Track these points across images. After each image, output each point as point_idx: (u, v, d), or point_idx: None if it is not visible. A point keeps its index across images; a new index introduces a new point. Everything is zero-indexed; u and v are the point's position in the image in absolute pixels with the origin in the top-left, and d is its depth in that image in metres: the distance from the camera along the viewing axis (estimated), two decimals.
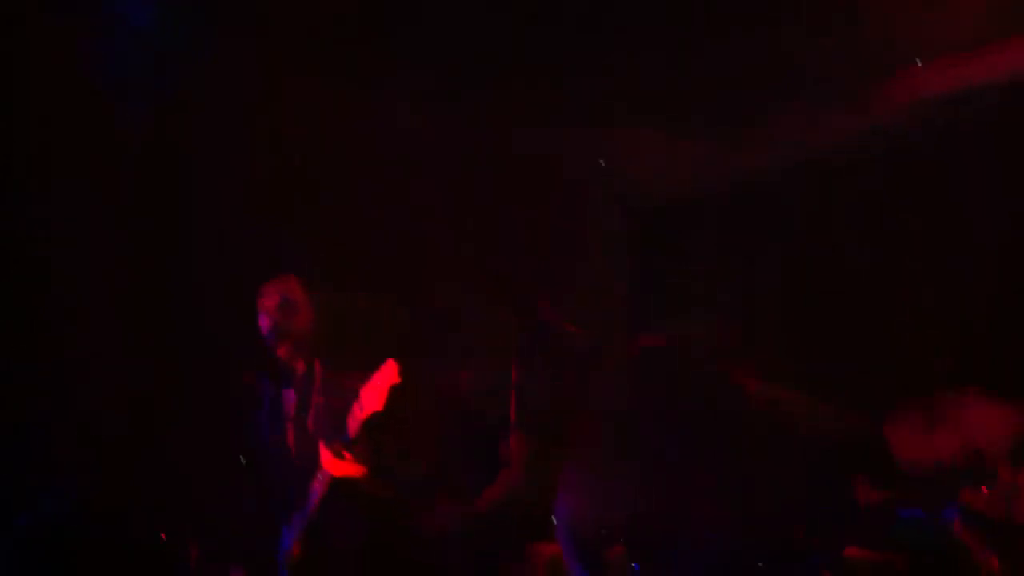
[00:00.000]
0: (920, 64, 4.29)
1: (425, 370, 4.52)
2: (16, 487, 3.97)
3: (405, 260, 4.92)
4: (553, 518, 3.61)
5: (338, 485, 3.10)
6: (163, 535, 2.43)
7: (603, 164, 5.13)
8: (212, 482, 3.79)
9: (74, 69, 3.97)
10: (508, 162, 5.05)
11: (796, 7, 3.95)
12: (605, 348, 4.23)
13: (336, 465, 3.05)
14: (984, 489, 2.87)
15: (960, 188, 4.39)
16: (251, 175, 4.45)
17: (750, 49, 4.16)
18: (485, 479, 4.46)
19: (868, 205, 4.70)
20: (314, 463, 3.11)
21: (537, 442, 4.42)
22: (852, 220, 4.76)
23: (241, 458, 3.34)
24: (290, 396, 3.37)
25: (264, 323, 3.32)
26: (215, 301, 4.26)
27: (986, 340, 4.13)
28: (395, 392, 2.96)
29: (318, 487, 3.15)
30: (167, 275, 4.35)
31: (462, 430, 4.43)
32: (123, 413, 4.17)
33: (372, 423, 3.01)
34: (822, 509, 3.13)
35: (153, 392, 4.21)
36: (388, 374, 2.96)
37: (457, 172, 4.97)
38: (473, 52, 4.21)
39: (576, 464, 3.55)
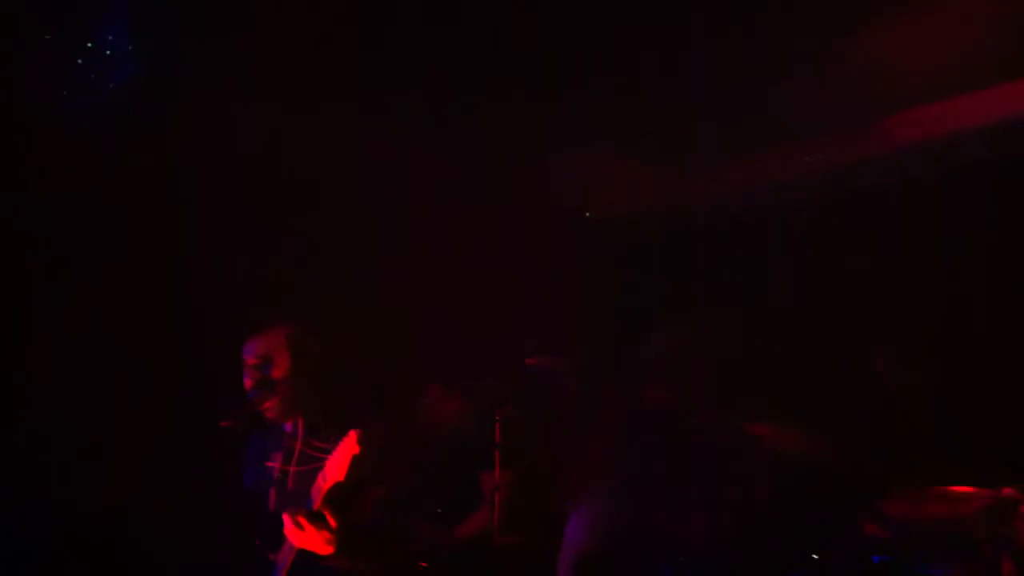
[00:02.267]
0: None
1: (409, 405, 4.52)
2: (16, 488, 3.99)
3: (405, 261, 4.94)
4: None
5: (303, 555, 3.02)
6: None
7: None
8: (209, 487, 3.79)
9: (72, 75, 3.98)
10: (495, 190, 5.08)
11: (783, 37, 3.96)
12: (595, 389, 4.26)
13: (297, 536, 2.94)
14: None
15: (949, 218, 4.42)
16: (251, 178, 4.47)
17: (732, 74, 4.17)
18: (465, 508, 4.47)
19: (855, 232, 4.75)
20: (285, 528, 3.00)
21: (518, 476, 4.44)
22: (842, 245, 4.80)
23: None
24: (273, 453, 3.27)
25: (247, 377, 3.19)
26: (215, 303, 4.27)
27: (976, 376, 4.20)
28: (357, 461, 2.88)
29: (285, 557, 3.07)
30: (167, 277, 4.36)
31: (444, 459, 4.43)
32: (123, 414, 4.19)
33: (334, 494, 2.91)
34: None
35: (153, 394, 4.22)
36: (349, 444, 2.89)
37: (455, 177, 5.00)
38: (451, 75, 4.24)
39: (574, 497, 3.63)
